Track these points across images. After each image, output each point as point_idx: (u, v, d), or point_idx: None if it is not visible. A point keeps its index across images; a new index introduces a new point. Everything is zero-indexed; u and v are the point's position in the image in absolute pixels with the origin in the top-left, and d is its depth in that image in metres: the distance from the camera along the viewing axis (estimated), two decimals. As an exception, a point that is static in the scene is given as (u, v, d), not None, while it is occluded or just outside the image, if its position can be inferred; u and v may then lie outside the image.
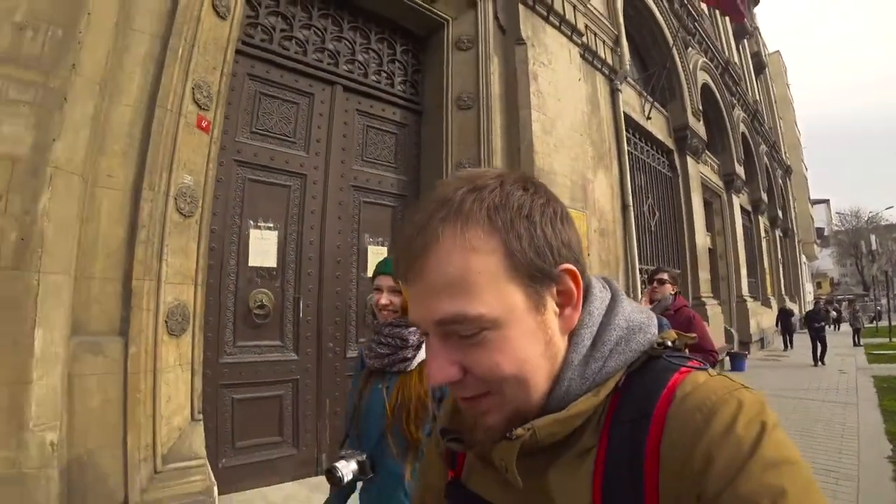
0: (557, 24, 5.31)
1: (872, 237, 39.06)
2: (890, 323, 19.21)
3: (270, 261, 3.45)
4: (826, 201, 56.27)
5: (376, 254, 4.09)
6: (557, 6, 5.22)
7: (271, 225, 3.51)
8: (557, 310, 0.51)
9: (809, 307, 16.84)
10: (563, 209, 0.52)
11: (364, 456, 1.45)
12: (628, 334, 0.51)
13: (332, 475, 1.39)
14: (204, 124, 2.76)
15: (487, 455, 0.53)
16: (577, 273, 0.50)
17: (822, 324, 11.74)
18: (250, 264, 3.36)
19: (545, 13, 5.12)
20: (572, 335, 0.52)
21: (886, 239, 46.26)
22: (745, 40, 19.78)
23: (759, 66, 22.14)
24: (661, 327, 0.55)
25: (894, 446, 4.60)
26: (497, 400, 0.50)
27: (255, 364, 3.29)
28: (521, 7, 4.82)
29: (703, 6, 11.76)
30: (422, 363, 1.41)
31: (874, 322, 27.28)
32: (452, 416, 0.59)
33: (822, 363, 10.91)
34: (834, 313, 23.81)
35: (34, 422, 1.92)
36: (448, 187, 0.50)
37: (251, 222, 3.40)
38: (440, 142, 4.42)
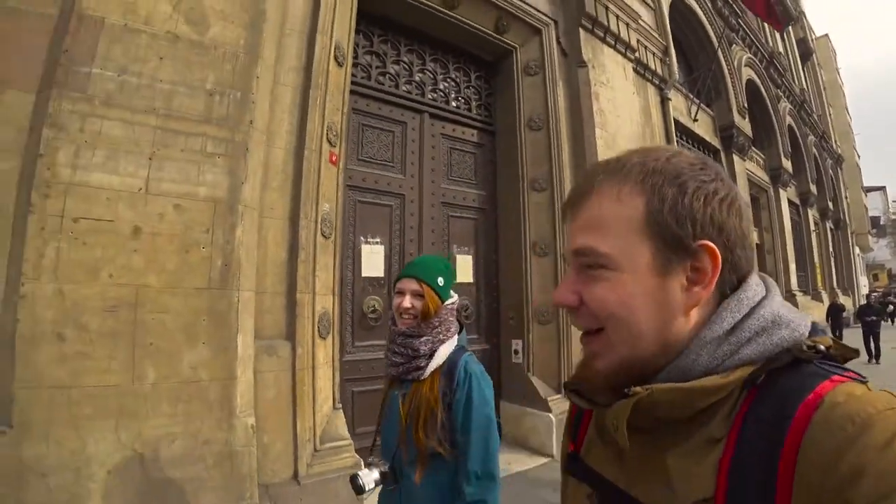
0: (613, 43, 5.67)
1: None
2: None
3: (379, 271, 3.96)
4: (882, 188, 53.44)
5: (464, 262, 4.56)
6: (613, 27, 5.59)
7: (378, 240, 4.03)
8: (686, 283, 0.51)
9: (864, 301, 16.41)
10: (732, 196, 0.52)
11: (387, 466, 1.46)
12: (772, 327, 0.50)
13: (353, 483, 1.41)
14: (334, 159, 3.29)
15: (601, 420, 0.56)
16: (718, 255, 0.50)
17: (876, 318, 11.06)
18: (363, 275, 3.87)
19: (602, 34, 5.49)
20: (714, 315, 0.51)
21: None
22: (791, 27, 19.37)
23: (806, 53, 21.61)
24: (815, 332, 0.52)
25: None
26: (605, 341, 0.54)
27: (370, 361, 3.80)
28: (581, 31, 5.23)
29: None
30: (434, 371, 1.43)
31: None
32: (578, 370, 0.59)
33: (877, 362, 10.36)
34: (890, 307, 22.66)
35: (240, 409, 2.47)
36: (627, 153, 0.56)
37: (362, 238, 3.92)
38: (515, 160, 4.87)
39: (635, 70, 6.30)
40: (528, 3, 4.96)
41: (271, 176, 2.95)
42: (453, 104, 4.89)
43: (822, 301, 15.90)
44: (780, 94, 14.92)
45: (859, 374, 0.48)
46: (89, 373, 2.10)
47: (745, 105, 11.09)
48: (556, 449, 3.97)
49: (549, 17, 5.18)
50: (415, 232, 4.28)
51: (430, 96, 4.68)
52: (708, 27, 10.07)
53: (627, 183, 0.53)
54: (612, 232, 0.52)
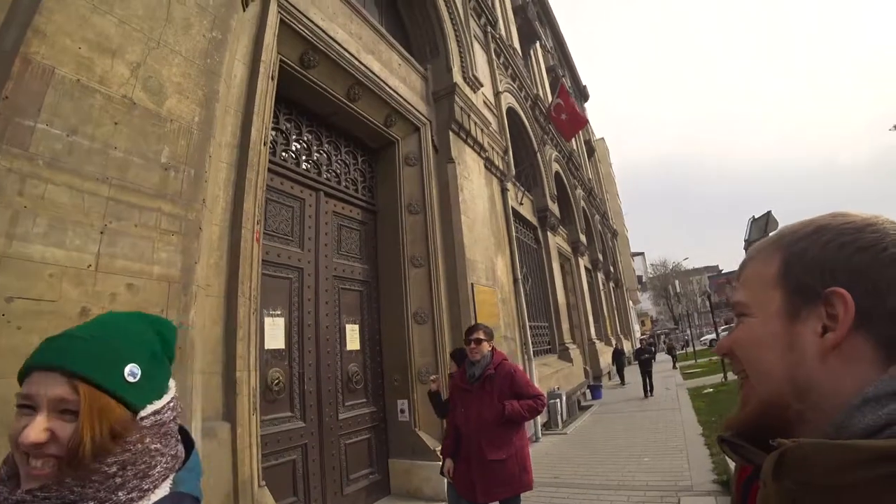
0: (472, 144, 6.94)
1: (676, 282, 51.23)
2: (694, 348, 27.67)
3: (280, 343, 4.08)
4: (642, 254, 68.69)
5: (352, 331, 4.90)
6: (473, 131, 6.88)
7: (279, 312, 4.16)
8: (820, 329, 0.50)
9: (638, 343, 20.92)
10: (884, 245, 0.49)
11: None
12: None
13: None
14: (258, 236, 3.45)
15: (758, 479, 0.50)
16: (849, 300, 0.47)
17: (647, 356, 13.44)
18: (266, 347, 3.93)
19: (465, 137, 6.69)
20: (891, 369, 0.46)
21: (686, 282, 61.12)
22: (580, 131, 24.52)
23: (590, 151, 27.53)
24: None
25: (703, 428, 7.09)
26: (749, 385, 0.56)
27: (275, 434, 3.83)
28: (450, 133, 6.30)
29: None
30: None
31: (684, 349, 35.22)
32: (728, 420, 0.59)
33: (651, 395, 12.26)
34: (652, 348, 29.21)
35: None
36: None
37: (265, 311, 4.00)
38: (397, 238, 5.55)
39: (485, 166, 7.63)
40: (412, 105, 5.87)
41: (208, 253, 2.99)
42: (343, 184, 5.35)
43: (612, 346, 19.49)
44: (576, 182, 18.70)
45: None
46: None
47: (555, 192, 13.71)
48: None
49: (426, 117, 6.16)
50: (312, 304, 4.50)
51: (325, 175, 5.09)
52: (529, 130, 12.45)
53: (771, 247, 0.57)
54: (751, 285, 0.57)
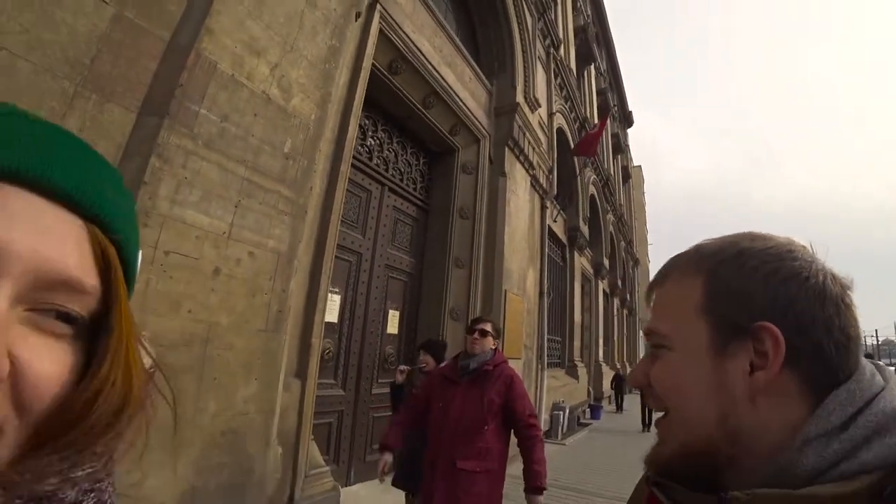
0: (523, 161, 7.34)
1: None
2: None
3: (334, 318, 4.54)
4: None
5: (393, 316, 5.35)
6: (525, 149, 7.30)
7: (337, 290, 4.61)
8: (748, 368, 0.46)
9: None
10: (808, 277, 0.47)
11: None
12: (894, 426, 0.42)
13: None
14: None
15: None
16: (779, 336, 0.45)
17: None
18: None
19: (518, 153, 7.11)
20: (819, 409, 0.44)
21: None
22: (619, 155, 24.73)
23: (626, 176, 27.64)
24: None
25: None
26: (667, 424, 0.52)
27: (322, 397, 4.27)
28: (506, 149, 6.71)
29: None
30: None
31: None
32: (648, 459, 0.55)
33: (650, 429, 12.07)
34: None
35: (272, 439, 2.89)
36: (708, 240, 0.56)
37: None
38: (444, 239, 6.00)
39: (531, 183, 8.02)
40: (476, 118, 6.30)
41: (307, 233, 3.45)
42: (404, 182, 5.82)
43: (616, 370, 19.65)
44: (609, 207, 18.91)
45: None
46: (157, 405, 2.39)
47: (588, 214, 14.01)
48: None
49: (486, 130, 6.58)
50: (364, 287, 4.98)
51: (391, 172, 5.56)
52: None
53: (691, 265, 0.52)
54: (670, 312, 0.53)
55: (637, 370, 0.56)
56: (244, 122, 2.78)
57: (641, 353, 37.86)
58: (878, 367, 0.49)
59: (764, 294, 0.47)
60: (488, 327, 2.76)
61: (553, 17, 10.54)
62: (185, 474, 2.32)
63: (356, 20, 4.09)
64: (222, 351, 2.56)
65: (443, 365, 3.05)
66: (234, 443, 2.61)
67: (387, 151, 5.57)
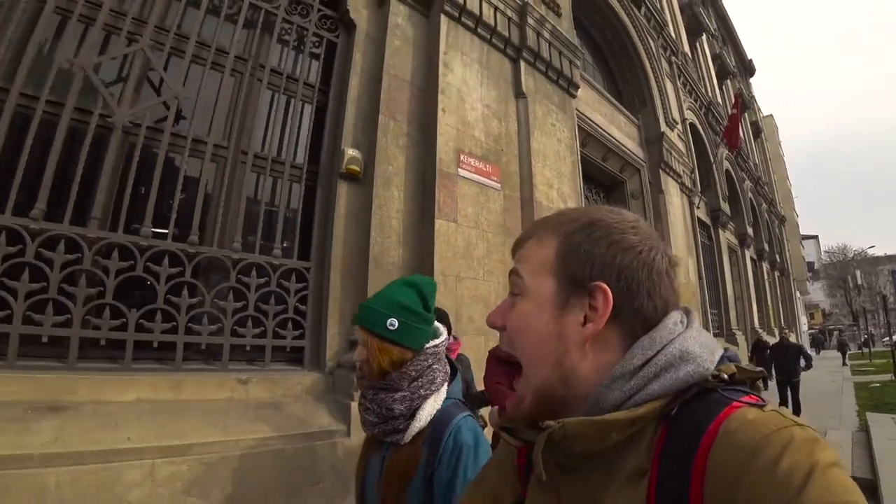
0: (672, 175, 9.33)
1: (858, 272, 43.96)
2: (870, 349, 25.07)
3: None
4: (815, 237, 60.68)
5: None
6: (673, 164, 9.19)
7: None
8: (583, 320, 0.55)
9: (805, 336, 19.74)
10: (642, 249, 0.56)
11: None
12: (679, 363, 0.52)
13: None
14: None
15: (534, 461, 0.55)
16: (609, 295, 0.53)
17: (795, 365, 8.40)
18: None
19: (668, 171, 9.13)
20: (628, 353, 0.54)
21: (870, 274, 51.13)
22: (746, 112, 24.06)
23: (757, 132, 26.64)
24: (722, 361, 0.55)
25: (859, 408, 8.82)
26: (522, 381, 0.59)
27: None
28: (660, 171, 8.76)
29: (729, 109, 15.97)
30: (418, 434, 1.19)
31: (860, 349, 31.47)
32: (505, 410, 0.61)
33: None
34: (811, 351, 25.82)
35: None
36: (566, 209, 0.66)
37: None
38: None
39: (681, 189, 9.88)
40: (633, 154, 8.48)
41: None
42: (592, 214, 8.14)
43: (774, 336, 19.69)
44: (744, 175, 19.16)
45: (757, 397, 0.50)
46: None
47: (726, 192, 14.99)
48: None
49: (642, 160, 8.71)
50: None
51: (584, 211, 7.91)
52: (704, 136, 14.02)
53: (549, 229, 0.61)
54: (531, 263, 0.61)
55: (496, 312, 0.64)
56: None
57: (803, 317, 34.38)
58: (687, 313, 0.59)
59: (603, 259, 0.55)
60: None
61: (664, 20, 11.88)
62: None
63: (577, 140, 6.51)
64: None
65: None
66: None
67: (579, 197, 7.94)
